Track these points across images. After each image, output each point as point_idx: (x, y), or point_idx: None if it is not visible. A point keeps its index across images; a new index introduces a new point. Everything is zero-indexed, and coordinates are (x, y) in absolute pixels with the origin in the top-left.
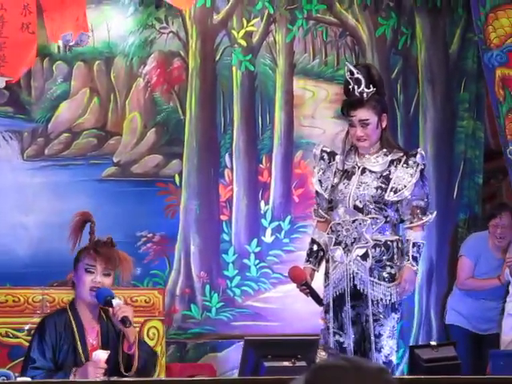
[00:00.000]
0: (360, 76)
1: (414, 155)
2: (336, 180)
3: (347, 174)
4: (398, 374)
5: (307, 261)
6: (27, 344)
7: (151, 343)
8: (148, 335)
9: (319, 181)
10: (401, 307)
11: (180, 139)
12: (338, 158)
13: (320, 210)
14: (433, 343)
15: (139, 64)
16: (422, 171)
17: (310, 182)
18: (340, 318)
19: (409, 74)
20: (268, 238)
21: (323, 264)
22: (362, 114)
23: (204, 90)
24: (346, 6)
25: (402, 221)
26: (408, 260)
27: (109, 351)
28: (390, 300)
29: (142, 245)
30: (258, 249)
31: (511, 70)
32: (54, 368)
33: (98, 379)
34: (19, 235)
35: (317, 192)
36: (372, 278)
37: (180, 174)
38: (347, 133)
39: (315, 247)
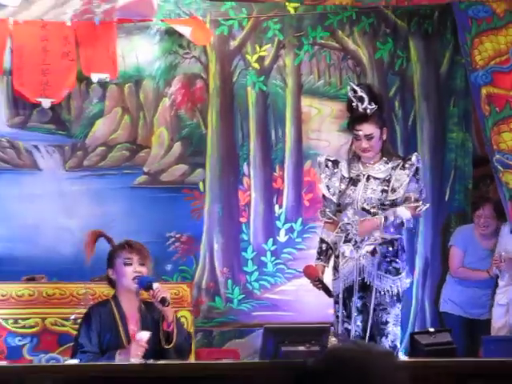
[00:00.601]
0: (363, 94)
1: (410, 158)
2: (343, 186)
3: (353, 181)
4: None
5: (318, 258)
6: (73, 332)
7: None
8: None
9: (327, 186)
10: (403, 297)
11: (203, 151)
12: (341, 165)
13: (328, 213)
14: (431, 330)
15: (165, 85)
16: (416, 170)
17: (318, 188)
18: (348, 307)
19: (405, 92)
20: (282, 237)
21: (332, 260)
22: (367, 128)
23: (223, 108)
24: (347, 33)
25: None
26: (380, 215)
27: (150, 332)
28: (394, 291)
29: (171, 244)
30: (273, 247)
31: (495, 88)
32: (99, 352)
33: (138, 356)
34: (63, 236)
35: (324, 196)
36: (379, 272)
37: (204, 182)
38: (351, 144)
39: (324, 246)
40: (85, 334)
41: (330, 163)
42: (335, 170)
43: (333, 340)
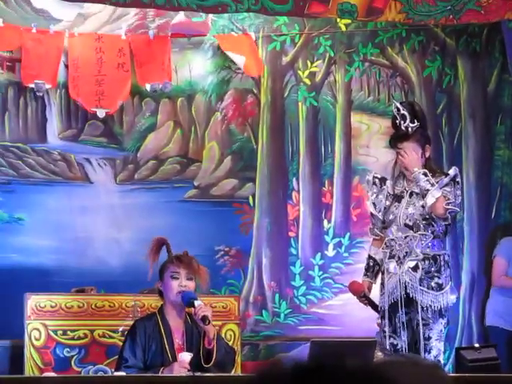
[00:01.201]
0: (405, 112)
1: (449, 172)
2: (388, 203)
3: (397, 198)
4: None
5: (365, 275)
6: (121, 344)
7: (229, 343)
8: (226, 337)
9: (373, 203)
10: (447, 313)
11: (253, 165)
12: (388, 182)
13: (375, 230)
14: (476, 345)
15: (217, 100)
16: (454, 180)
17: (366, 204)
18: (394, 322)
19: (452, 110)
20: (330, 252)
21: (379, 276)
22: (408, 146)
23: (274, 123)
24: (396, 51)
25: (446, 232)
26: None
27: (192, 354)
28: (437, 307)
29: (219, 258)
30: (321, 262)
31: None
32: (143, 367)
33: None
34: (112, 249)
35: (371, 213)
36: (422, 287)
37: (253, 196)
38: (395, 161)
39: (371, 262)
40: (129, 348)
41: (377, 180)
42: (382, 188)
43: (379, 354)
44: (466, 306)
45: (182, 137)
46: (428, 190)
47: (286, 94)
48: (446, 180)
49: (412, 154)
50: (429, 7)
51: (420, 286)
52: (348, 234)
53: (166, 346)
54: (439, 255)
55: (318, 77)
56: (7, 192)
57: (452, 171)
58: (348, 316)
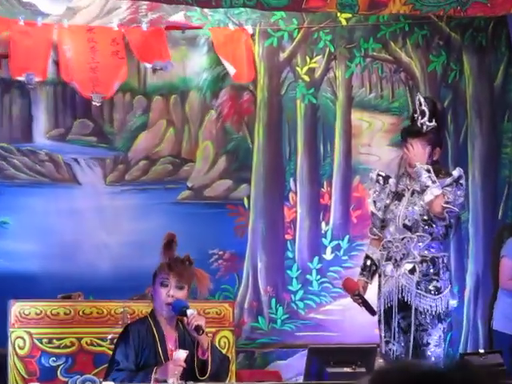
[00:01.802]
0: (426, 109)
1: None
2: (388, 201)
3: (398, 196)
4: None
5: (361, 274)
6: (110, 352)
7: (222, 351)
8: (220, 344)
9: (374, 201)
10: (447, 317)
11: (248, 165)
12: (391, 181)
13: (374, 229)
14: (481, 351)
15: (212, 97)
16: (455, 179)
17: (366, 205)
18: (392, 327)
19: (458, 106)
20: (328, 255)
21: (376, 278)
22: (418, 144)
23: (271, 121)
24: (399, 45)
25: (446, 235)
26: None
27: (187, 351)
28: (435, 311)
29: (213, 261)
30: (319, 265)
31: None
32: (135, 369)
33: (176, 376)
34: (102, 253)
35: (372, 212)
36: (419, 291)
37: (248, 197)
38: (401, 157)
39: (368, 262)
40: (121, 351)
41: (380, 178)
42: (385, 186)
43: (380, 361)
44: (471, 309)
45: (174, 136)
46: (428, 187)
47: (283, 91)
48: (448, 180)
49: (419, 150)
50: None
51: (417, 289)
52: (347, 236)
53: (160, 351)
54: (438, 257)
55: (318, 73)
56: None
57: (456, 172)
58: (348, 321)
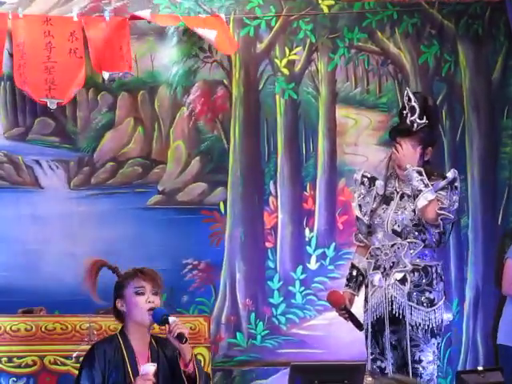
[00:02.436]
0: (416, 105)
1: (447, 175)
2: (375, 205)
3: (386, 199)
4: None
5: (347, 285)
6: (75, 372)
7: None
8: None
9: (359, 205)
10: (441, 332)
11: (224, 167)
12: (378, 183)
13: (360, 235)
14: (479, 368)
15: (183, 93)
16: (452, 183)
17: (353, 209)
18: (381, 343)
19: (453, 101)
20: (313, 264)
21: (363, 289)
22: (408, 144)
23: (248, 119)
24: (387, 35)
25: (440, 242)
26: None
27: (156, 364)
28: (429, 325)
29: (187, 272)
30: (303, 276)
31: None
32: None
33: None
34: (67, 263)
35: (357, 217)
36: (410, 303)
37: (225, 202)
38: (390, 157)
39: (354, 272)
40: (86, 375)
41: (366, 180)
42: (371, 188)
43: (369, 380)
44: (471, 323)
45: (143, 135)
46: (420, 191)
47: (261, 86)
48: (442, 183)
49: (409, 149)
50: None
51: (408, 301)
52: (333, 244)
53: (130, 373)
54: (431, 266)
55: (298, 66)
56: None
57: (450, 174)
58: (333, 338)
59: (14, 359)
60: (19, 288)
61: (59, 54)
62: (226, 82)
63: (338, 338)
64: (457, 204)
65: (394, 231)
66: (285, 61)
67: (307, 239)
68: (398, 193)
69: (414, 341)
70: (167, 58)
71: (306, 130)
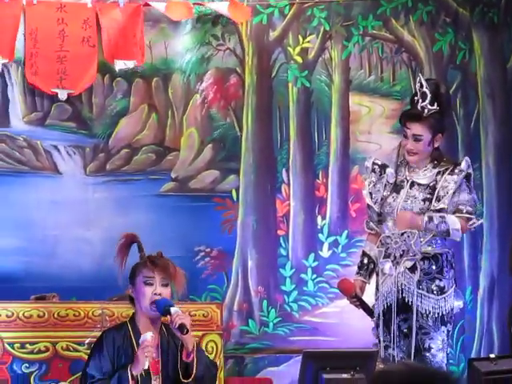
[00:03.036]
0: (427, 91)
1: (460, 163)
2: (386, 193)
3: (396, 188)
4: None
5: (358, 273)
6: (87, 356)
7: (210, 357)
8: (207, 349)
9: (370, 193)
10: (452, 320)
11: (237, 155)
12: (388, 170)
13: (371, 223)
14: (492, 356)
15: (196, 80)
16: (466, 177)
17: (364, 197)
18: (392, 330)
19: (468, 90)
20: (325, 252)
21: (375, 277)
22: (417, 129)
23: (260, 106)
24: (402, 23)
25: None
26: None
27: (152, 334)
28: (438, 313)
29: (199, 259)
30: (315, 263)
31: None
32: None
33: (148, 358)
34: (82, 249)
35: (368, 205)
36: (420, 291)
37: (237, 190)
38: (399, 145)
39: (366, 260)
40: (95, 362)
41: (376, 168)
42: (382, 176)
43: (381, 367)
44: (485, 311)
45: (157, 122)
46: (448, 230)
47: (273, 74)
48: (463, 186)
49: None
50: None
51: (419, 289)
52: (345, 231)
53: None
54: (441, 254)
55: (311, 54)
56: None
57: (463, 165)
58: (346, 325)
59: (27, 345)
60: (37, 274)
61: (72, 43)
62: (238, 69)
63: (350, 325)
64: (476, 196)
65: None
66: (298, 49)
67: (319, 227)
68: (407, 181)
69: (424, 328)
70: (181, 46)
71: (319, 118)
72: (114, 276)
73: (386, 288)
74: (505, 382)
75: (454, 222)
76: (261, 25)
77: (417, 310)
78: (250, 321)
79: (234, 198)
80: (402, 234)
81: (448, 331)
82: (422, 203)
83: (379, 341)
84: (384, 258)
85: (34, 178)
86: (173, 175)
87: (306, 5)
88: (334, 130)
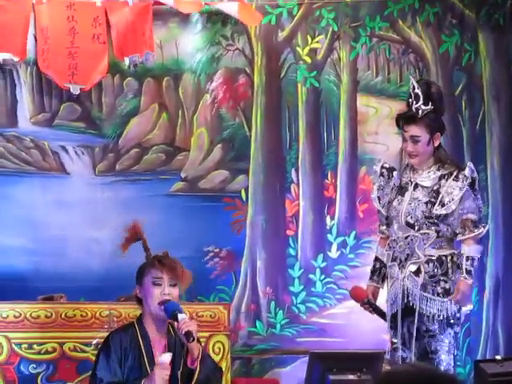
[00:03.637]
0: (419, 92)
1: (464, 168)
2: (392, 196)
3: (401, 191)
4: None
5: (370, 278)
6: (94, 359)
7: (216, 358)
8: (213, 350)
9: (378, 197)
10: (458, 322)
11: (246, 155)
12: (395, 173)
13: (381, 226)
14: (498, 357)
15: (206, 80)
16: (471, 184)
17: (372, 201)
18: (402, 333)
19: (473, 91)
20: (334, 253)
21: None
22: (414, 130)
23: (269, 106)
24: (408, 24)
25: (456, 234)
26: (462, 274)
27: (171, 353)
28: (444, 315)
29: (208, 260)
30: (323, 264)
31: None
32: (121, 381)
33: (164, 381)
34: (91, 249)
35: (377, 209)
36: (426, 294)
37: (246, 190)
38: (401, 147)
39: (378, 264)
40: (103, 365)
41: (385, 171)
42: (389, 179)
43: (387, 368)
44: (491, 312)
45: (167, 122)
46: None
47: (282, 74)
48: (467, 193)
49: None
50: None
51: (424, 292)
52: (354, 232)
53: (145, 361)
54: (445, 256)
55: (320, 54)
56: None
57: (467, 171)
58: (353, 326)
59: (34, 346)
60: (46, 274)
61: (82, 40)
62: (247, 69)
63: (357, 326)
64: (481, 202)
65: (407, 223)
66: (307, 49)
67: (328, 227)
68: (411, 183)
69: (430, 331)
70: (191, 45)
71: (328, 118)
72: (124, 275)
73: (394, 292)
74: None
75: (474, 250)
76: (269, 25)
77: (422, 313)
78: (257, 322)
79: (244, 198)
80: (406, 238)
81: (455, 333)
82: (425, 206)
83: (391, 343)
84: (391, 261)
85: (40, 179)
86: (182, 175)
87: (315, 5)
88: (342, 130)
